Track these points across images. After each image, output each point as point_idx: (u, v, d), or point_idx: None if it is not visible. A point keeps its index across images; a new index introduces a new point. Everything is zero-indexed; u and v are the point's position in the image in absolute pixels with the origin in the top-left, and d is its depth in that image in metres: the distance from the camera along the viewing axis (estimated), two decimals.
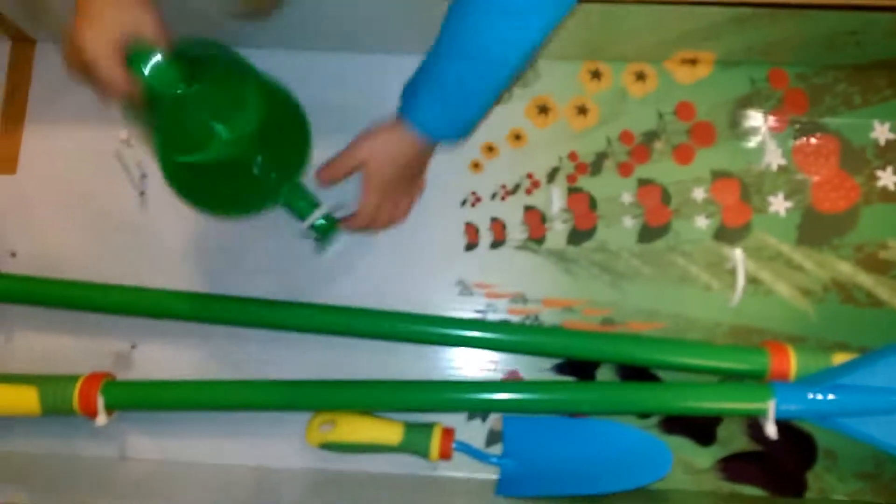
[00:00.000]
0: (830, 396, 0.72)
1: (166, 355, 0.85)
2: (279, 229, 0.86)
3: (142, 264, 0.87)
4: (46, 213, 0.90)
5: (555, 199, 0.89)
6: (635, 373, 0.82)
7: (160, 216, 0.89)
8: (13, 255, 0.88)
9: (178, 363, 0.85)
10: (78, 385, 0.77)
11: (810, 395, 0.72)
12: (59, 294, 0.82)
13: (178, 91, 0.64)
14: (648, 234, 0.87)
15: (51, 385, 0.78)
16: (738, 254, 0.84)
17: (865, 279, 0.85)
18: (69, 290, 0.82)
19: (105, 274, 0.85)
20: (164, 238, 0.88)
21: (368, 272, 0.87)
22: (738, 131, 0.88)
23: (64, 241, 0.89)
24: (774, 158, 0.88)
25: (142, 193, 0.89)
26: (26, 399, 0.78)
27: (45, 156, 0.92)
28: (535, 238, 0.88)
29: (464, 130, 0.73)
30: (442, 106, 0.70)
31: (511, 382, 0.81)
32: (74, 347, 0.86)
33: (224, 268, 0.87)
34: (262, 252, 0.88)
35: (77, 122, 0.92)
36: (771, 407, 0.72)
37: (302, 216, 0.78)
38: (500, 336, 0.79)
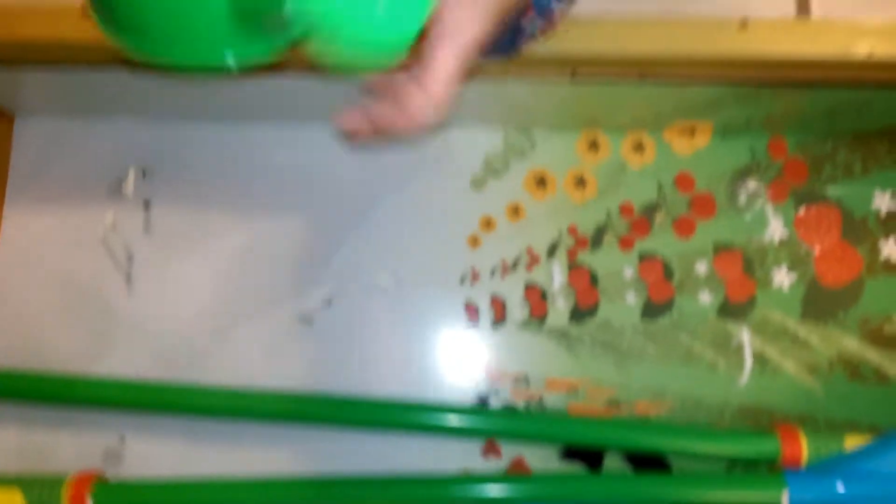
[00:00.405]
0: (843, 487, 0.71)
1: (158, 448, 0.82)
2: (271, 313, 0.83)
3: (128, 351, 0.83)
4: (26, 297, 0.86)
5: (556, 276, 0.87)
6: (644, 457, 0.81)
7: (147, 300, 0.85)
8: None
9: (171, 456, 0.81)
10: (67, 488, 0.74)
11: (824, 485, 0.71)
12: (41, 388, 0.79)
13: None
14: (652, 310, 0.85)
15: (36, 487, 0.74)
16: (744, 335, 0.83)
17: (872, 354, 0.83)
18: (52, 385, 0.79)
19: (89, 361, 0.82)
20: (151, 323, 0.85)
21: (364, 355, 0.84)
22: (738, 203, 0.87)
23: (44, 325, 0.85)
24: (776, 230, 0.87)
25: (128, 276, 0.86)
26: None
27: (24, 235, 0.88)
28: (537, 316, 0.85)
29: None
30: None
31: (515, 476, 0.79)
32: (60, 442, 0.82)
33: (214, 354, 0.84)
34: (253, 337, 0.85)
35: (58, 201, 0.89)
36: (784, 499, 0.71)
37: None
38: (504, 425, 0.77)
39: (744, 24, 0.71)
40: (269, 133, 0.90)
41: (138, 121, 0.90)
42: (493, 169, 0.90)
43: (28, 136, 0.90)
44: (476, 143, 0.89)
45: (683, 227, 0.87)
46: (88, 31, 0.74)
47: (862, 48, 0.71)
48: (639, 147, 0.89)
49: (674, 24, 0.73)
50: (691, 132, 0.89)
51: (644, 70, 0.75)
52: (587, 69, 0.75)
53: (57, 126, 0.90)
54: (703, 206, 0.88)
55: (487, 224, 0.88)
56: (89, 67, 0.81)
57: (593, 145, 0.89)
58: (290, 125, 0.89)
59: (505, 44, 0.63)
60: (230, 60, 0.53)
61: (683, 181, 0.89)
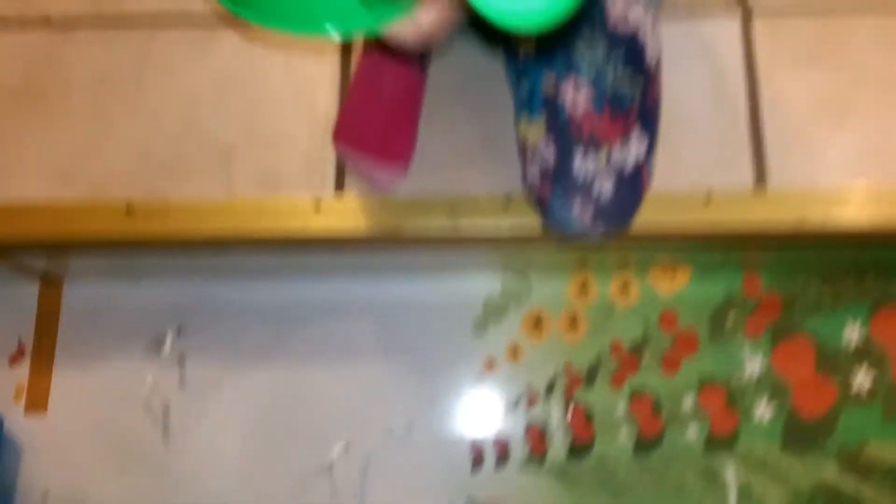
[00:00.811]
0: None
1: None
2: (294, 460, 0.91)
3: (166, 498, 0.92)
4: (77, 452, 0.95)
5: (554, 414, 0.94)
6: None
7: (182, 451, 0.93)
8: (46, 494, 0.93)
9: None
10: None
11: None
12: None
13: None
14: (643, 446, 0.91)
15: None
16: (729, 469, 0.89)
17: (850, 482, 0.89)
18: None
19: None
20: (191, 475, 0.93)
21: (378, 499, 0.92)
22: (718, 338, 0.94)
23: (94, 479, 0.94)
24: (755, 364, 0.94)
25: (165, 429, 0.95)
26: None
27: (74, 395, 0.97)
28: (537, 454, 0.92)
29: None
30: None
31: None
32: None
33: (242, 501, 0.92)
34: (277, 483, 0.92)
35: (103, 361, 0.99)
36: None
37: None
38: None
39: (708, 199, 0.80)
40: (290, 290, 1.00)
41: (174, 281, 1.00)
42: (493, 312, 0.98)
43: (75, 300, 1.01)
44: (477, 288, 0.98)
45: (669, 363, 0.95)
46: (130, 227, 0.86)
47: (815, 216, 0.79)
48: (625, 288, 0.97)
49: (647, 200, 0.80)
50: (672, 273, 0.97)
51: (621, 242, 0.83)
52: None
53: (101, 289, 1.01)
54: (687, 342, 0.95)
55: (490, 365, 0.96)
56: (130, 253, 0.92)
57: (584, 287, 0.97)
58: (311, 282, 0.99)
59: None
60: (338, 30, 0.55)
61: (667, 319, 0.96)
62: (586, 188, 0.66)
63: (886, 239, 0.85)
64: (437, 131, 0.84)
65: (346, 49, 0.88)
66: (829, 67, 0.83)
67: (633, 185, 0.68)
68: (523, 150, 0.72)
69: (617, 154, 0.66)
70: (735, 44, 0.84)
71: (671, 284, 0.97)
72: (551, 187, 0.68)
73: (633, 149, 0.67)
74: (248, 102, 0.85)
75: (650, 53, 0.69)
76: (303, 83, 0.87)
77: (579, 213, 0.67)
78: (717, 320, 0.95)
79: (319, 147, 0.85)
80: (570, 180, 0.66)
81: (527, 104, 0.70)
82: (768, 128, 0.81)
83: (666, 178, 0.80)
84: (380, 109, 0.78)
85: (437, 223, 0.83)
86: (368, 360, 0.95)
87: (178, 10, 0.91)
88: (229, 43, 0.90)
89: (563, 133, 0.66)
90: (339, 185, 0.85)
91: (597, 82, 0.66)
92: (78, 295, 1.00)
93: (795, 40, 0.86)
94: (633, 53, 0.67)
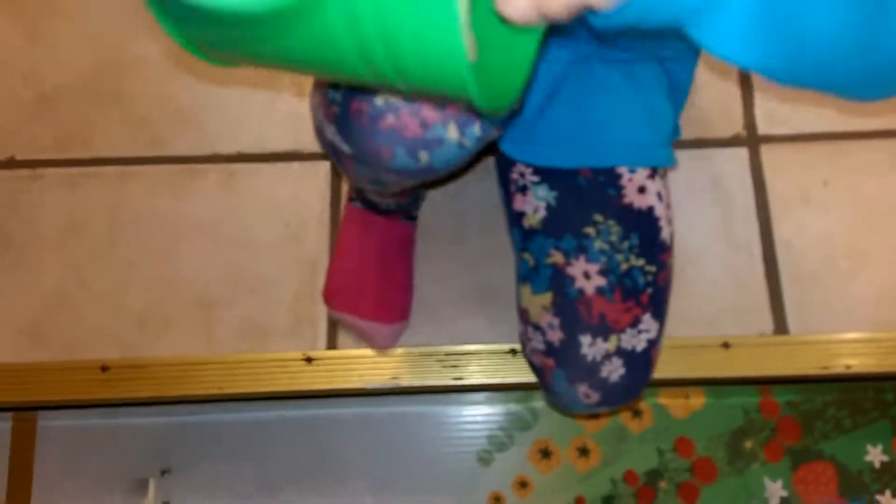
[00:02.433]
0: None
1: None
2: None
3: None
4: None
5: None
6: None
7: None
8: None
9: None
10: None
11: None
12: None
13: None
14: None
15: None
16: None
17: None
18: None
19: None
20: None
21: None
22: (737, 465, 0.89)
23: None
24: (776, 491, 0.90)
25: None
26: None
27: None
28: None
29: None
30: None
31: None
32: None
33: None
34: None
35: (81, 502, 0.93)
36: None
37: None
38: None
39: (726, 345, 0.76)
40: (279, 416, 0.93)
41: (156, 417, 0.93)
42: (498, 443, 0.93)
43: (52, 439, 0.94)
44: (480, 418, 0.92)
45: (687, 493, 0.90)
46: (106, 389, 0.79)
47: (839, 364, 0.75)
48: (637, 412, 0.93)
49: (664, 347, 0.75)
50: (686, 395, 0.93)
51: None
52: None
53: (78, 425, 0.94)
54: (705, 470, 0.91)
55: (496, 500, 0.91)
56: (105, 414, 0.86)
57: (593, 414, 0.93)
58: (299, 408, 0.93)
59: None
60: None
61: (683, 445, 0.92)
62: (593, 372, 0.62)
63: None
64: (433, 279, 0.79)
65: (335, 182, 0.83)
66: (840, 204, 0.80)
67: (643, 364, 0.63)
68: (524, 317, 0.66)
69: (627, 339, 0.61)
70: (745, 178, 0.80)
71: (685, 406, 0.93)
72: (555, 366, 0.63)
73: (644, 333, 0.62)
74: (229, 247, 0.79)
75: (665, 227, 0.64)
76: (289, 223, 0.83)
77: (584, 397, 0.63)
78: (735, 445, 0.90)
79: (308, 297, 0.79)
80: (576, 364, 0.61)
81: (531, 276, 0.64)
82: (784, 272, 0.77)
83: (682, 323, 0.76)
84: (371, 269, 0.73)
85: (437, 376, 0.78)
86: (366, 492, 0.90)
87: (151, 155, 0.85)
88: (207, 182, 0.84)
89: (571, 315, 0.61)
90: (332, 342, 0.79)
91: (609, 266, 0.61)
92: (55, 436, 0.94)
93: (806, 175, 0.82)
94: (649, 234, 0.62)
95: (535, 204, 0.64)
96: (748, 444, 0.91)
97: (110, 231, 0.82)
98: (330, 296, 0.72)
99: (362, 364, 0.77)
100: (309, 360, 0.76)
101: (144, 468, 0.93)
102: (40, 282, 0.82)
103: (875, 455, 0.90)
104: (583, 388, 0.62)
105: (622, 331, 0.61)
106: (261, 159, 0.84)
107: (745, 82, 0.85)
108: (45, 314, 0.81)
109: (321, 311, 0.79)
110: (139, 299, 0.80)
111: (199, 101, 0.87)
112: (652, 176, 0.63)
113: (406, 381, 0.76)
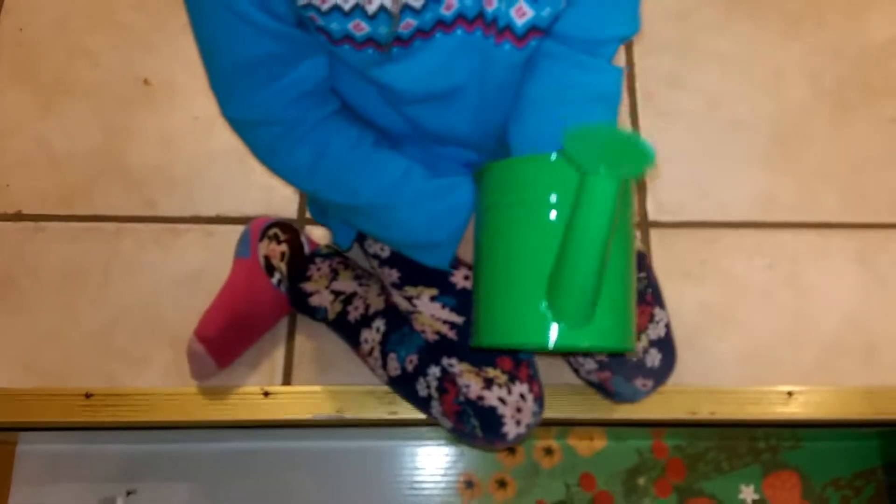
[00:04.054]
0: None
1: None
2: None
3: None
4: None
5: None
6: None
7: None
8: None
9: None
10: None
11: None
12: None
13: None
14: None
15: None
16: None
17: None
18: None
19: None
20: None
21: None
22: (632, 498, 1.04)
23: None
24: None
25: None
26: None
27: None
28: None
29: None
30: None
31: None
32: None
33: None
34: None
35: None
36: None
37: None
38: None
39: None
40: (234, 447, 1.04)
41: (125, 444, 1.04)
42: (429, 474, 1.06)
43: (27, 460, 1.04)
44: (414, 454, 1.05)
45: None
46: (88, 413, 0.90)
47: (705, 410, 0.91)
48: (549, 451, 1.06)
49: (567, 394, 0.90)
50: (590, 437, 1.07)
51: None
52: None
53: (54, 450, 1.04)
54: (604, 502, 1.04)
55: None
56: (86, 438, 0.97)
57: (511, 451, 1.06)
58: (254, 440, 1.05)
59: None
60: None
61: (586, 480, 1.06)
62: (641, 367, 0.80)
63: (766, 426, 0.99)
64: None
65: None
66: (713, 280, 0.97)
67: (669, 343, 0.82)
68: (570, 353, 0.84)
69: (652, 332, 0.80)
70: None
71: (590, 446, 1.07)
72: (612, 375, 0.82)
73: (661, 320, 0.81)
74: (205, 296, 0.92)
75: (635, 241, 0.81)
76: None
77: (642, 387, 0.82)
78: (629, 482, 1.04)
79: (269, 339, 0.92)
80: (626, 367, 0.80)
81: None
82: None
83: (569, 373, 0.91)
84: (247, 332, 0.89)
85: (375, 411, 0.90)
86: None
87: (144, 214, 1.00)
88: (189, 240, 0.98)
89: None
90: (287, 379, 0.93)
91: None
92: (30, 458, 1.03)
93: (686, 255, 0.99)
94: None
95: None
96: (641, 481, 1.05)
97: (104, 278, 0.96)
98: (204, 339, 0.86)
99: (313, 398, 0.90)
100: (266, 393, 0.90)
101: (112, 489, 1.05)
102: (38, 321, 0.95)
103: (748, 494, 1.05)
104: (639, 381, 0.81)
105: (646, 329, 0.80)
106: (237, 221, 0.99)
107: (640, 178, 1.04)
108: (39, 348, 0.93)
109: (280, 351, 0.93)
110: (124, 338, 0.93)
111: (186, 170, 1.03)
112: None
113: (349, 414, 0.89)
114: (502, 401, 0.76)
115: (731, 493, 1.06)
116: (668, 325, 0.81)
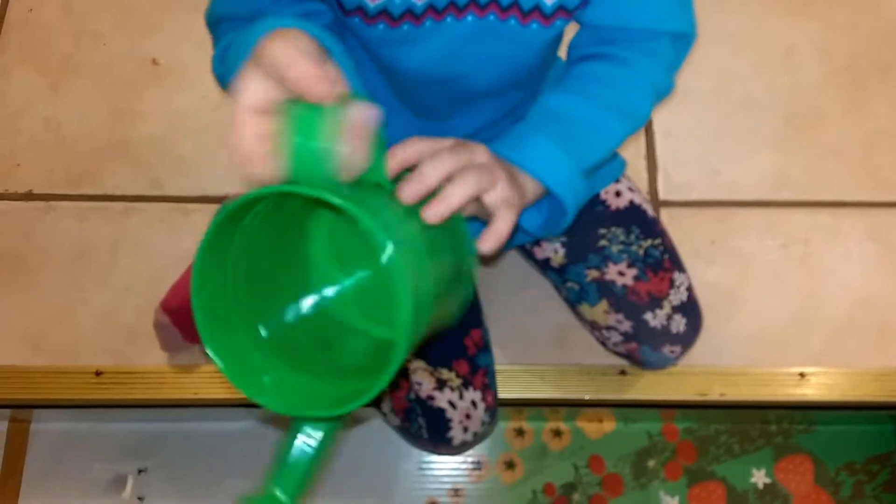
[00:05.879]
0: None
1: None
2: None
3: None
4: None
5: None
6: None
7: None
8: None
9: None
10: None
11: None
12: None
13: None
14: None
15: None
16: None
17: None
18: None
19: None
20: None
21: None
22: (641, 481, 1.03)
23: None
24: None
25: None
26: None
27: None
28: None
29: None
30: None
31: None
32: None
33: None
34: None
35: (65, 498, 1.03)
36: None
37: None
38: None
39: (623, 372, 0.90)
40: (240, 426, 1.05)
41: (136, 423, 1.05)
42: (438, 455, 1.06)
43: (43, 441, 1.05)
44: None
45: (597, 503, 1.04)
46: (98, 391, 0.90)
47: (715, 392, 0.90)
48: (557, 433, 1.06)
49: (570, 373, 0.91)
50: (599, 419, 1.06)
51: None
52: None
53: (67, 428, 1.05)
54: (613, 485, 1.04)
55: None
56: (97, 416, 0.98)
57: (519, 432, 1.06)
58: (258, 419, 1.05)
59: None
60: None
61: (595, 462, 1.05)
62: (667, 333, 0.78)
63: (777, 407, 0.96)
64: None
65: None
66: (723, 259, 0.96)
67: (693, 307, 0.80)
68: (595, 326, 0.83)
69: (674, 297, 0.78)
70: None
71: (599, 428, 1.06)
72: (639, 345, 0.80)
73: (681, 284, 0.79)
74: None
75: (648, 207, 0.81)
76: None
77: (670, 353, 0.80)
78: (639, 464, 1.04)
79: None
80: (653, 335, 0.79)
81: (583, 296, 0.80)
82: None
83: (587, 351, 0.90)
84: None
85: None
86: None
87: (151, 194, 1.00)
88: (197, 220, 0.98)
89: (629, 306, 0.78)
90: None
91: (632, 259, 0.78)
92: (46, 439, 1.05)
93: (696, 234, 0.98)
94: (642, 220, 0.79)
95: (553, 247, 0.81)
96: (651, 463, 1.05)
97: (112, 258, 0.96)
98: (168, 310, 0.81)
99: None
100: None
101: (124, 467, 1.05)
102: (47, 299, 0.95)
103: (759, 477, 1.04)
104: (667, 349, 0.79)
105: (667, 295, 0.77)
106: None
107: (651, 157, 1.03)
108: (49, 327, 0.94)
109: None
110: (132, 317, 0.93)
111: (194, 149, 1.03)
112: (618, 181, 0.81)
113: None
114: (452, 404, 0.76)
115: (743, 476, 1.05)
116: (689, 288, 0.79)
